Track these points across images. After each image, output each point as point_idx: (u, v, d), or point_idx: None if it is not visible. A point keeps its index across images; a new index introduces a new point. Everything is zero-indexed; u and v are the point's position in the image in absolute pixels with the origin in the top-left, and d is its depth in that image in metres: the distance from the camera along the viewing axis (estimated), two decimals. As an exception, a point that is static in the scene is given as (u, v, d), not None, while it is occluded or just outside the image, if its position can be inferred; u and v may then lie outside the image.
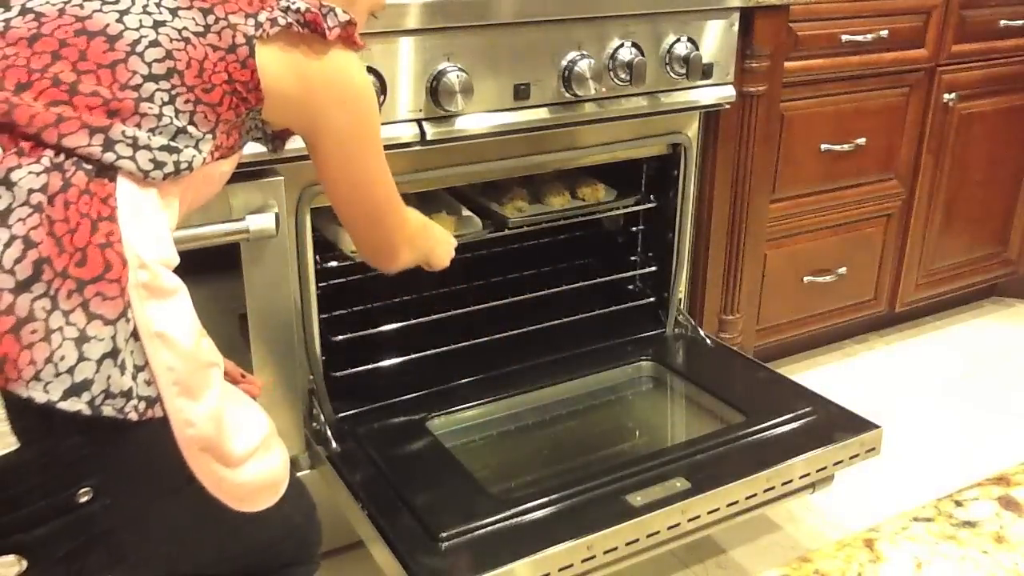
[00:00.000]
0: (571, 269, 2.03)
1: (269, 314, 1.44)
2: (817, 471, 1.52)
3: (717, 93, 1.69)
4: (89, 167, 0.83)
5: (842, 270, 2.21)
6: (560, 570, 1.29)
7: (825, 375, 2.31)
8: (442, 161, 1.53)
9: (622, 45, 1.54)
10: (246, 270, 1.39)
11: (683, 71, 1.60)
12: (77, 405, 0.78)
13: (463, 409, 1.68)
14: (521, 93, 1.48)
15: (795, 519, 1.82)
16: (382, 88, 1.37)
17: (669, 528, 1.38)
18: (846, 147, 2.08)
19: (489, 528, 1.33)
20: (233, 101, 0.92)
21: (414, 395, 1.68)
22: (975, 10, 2.17)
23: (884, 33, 2.01)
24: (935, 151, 2.25)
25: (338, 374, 1.65)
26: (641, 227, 1.96)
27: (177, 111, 0.88)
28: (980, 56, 2.23)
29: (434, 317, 1.78)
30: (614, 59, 1.54)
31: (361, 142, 1.06)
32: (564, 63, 1.51)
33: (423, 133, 1.43)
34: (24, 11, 0.87)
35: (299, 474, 1.57)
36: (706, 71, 1.63)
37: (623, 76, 1.55)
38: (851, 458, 1.56)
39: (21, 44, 0.85)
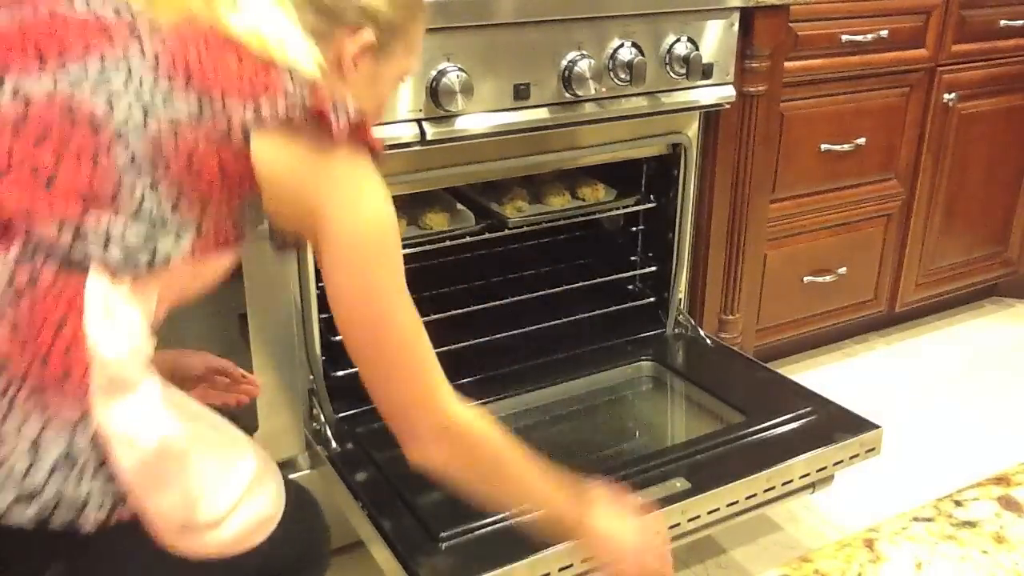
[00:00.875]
0: (571, 269, 2.03)
1: (269, 314, 1.44)
2: (817, 471, 1.52)
3: (717, 93, 1.69)
4: (58, 260, 0.80)
5: (842, 270, 2.21)
6: (560, 570, 1.29)
7: (825, 375, 2.31)
8: (442, 161, 1.53)
9: (622, 45, 1.54)
10: (246, 270, 1.39)
11: (683, 71, 1.60)
12: (24, 515, 0.76)
13: (464, 409, 1.67)
14: (521, 93, 1.48)
15: (795, 519, 1.82)
16: (382, 88, 1.37)
17: (669, 528, 1.38)
18: (846, 147, 2.08)
19: (489, 528, 1.33)
20: (225, 191, 0.86)
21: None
22: (975, 10, 2.17)
23: (884, 33, 2.01)
24: (935, 151, 2.25)
25: (338, 374, 1.65)
26: (641, 227, 1.96)
27: (159, 201, 0.83)
28: (980, 56, 2.23)
29: (434, 317, 1.77)
30: (614, 59, 1.54)
31: (369, 261, 0.92)
32: (564, 63, 1.51)
33: (423, 133, 1.43)
34: (15, 93, 0.84)
35: (299, 474, 1.57)
36: (706, 71, 1.63)
37: (623, 76, 1.55)
38: (851, 458, 1.56)
39: (5, 130, 0.82)
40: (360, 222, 0.90)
